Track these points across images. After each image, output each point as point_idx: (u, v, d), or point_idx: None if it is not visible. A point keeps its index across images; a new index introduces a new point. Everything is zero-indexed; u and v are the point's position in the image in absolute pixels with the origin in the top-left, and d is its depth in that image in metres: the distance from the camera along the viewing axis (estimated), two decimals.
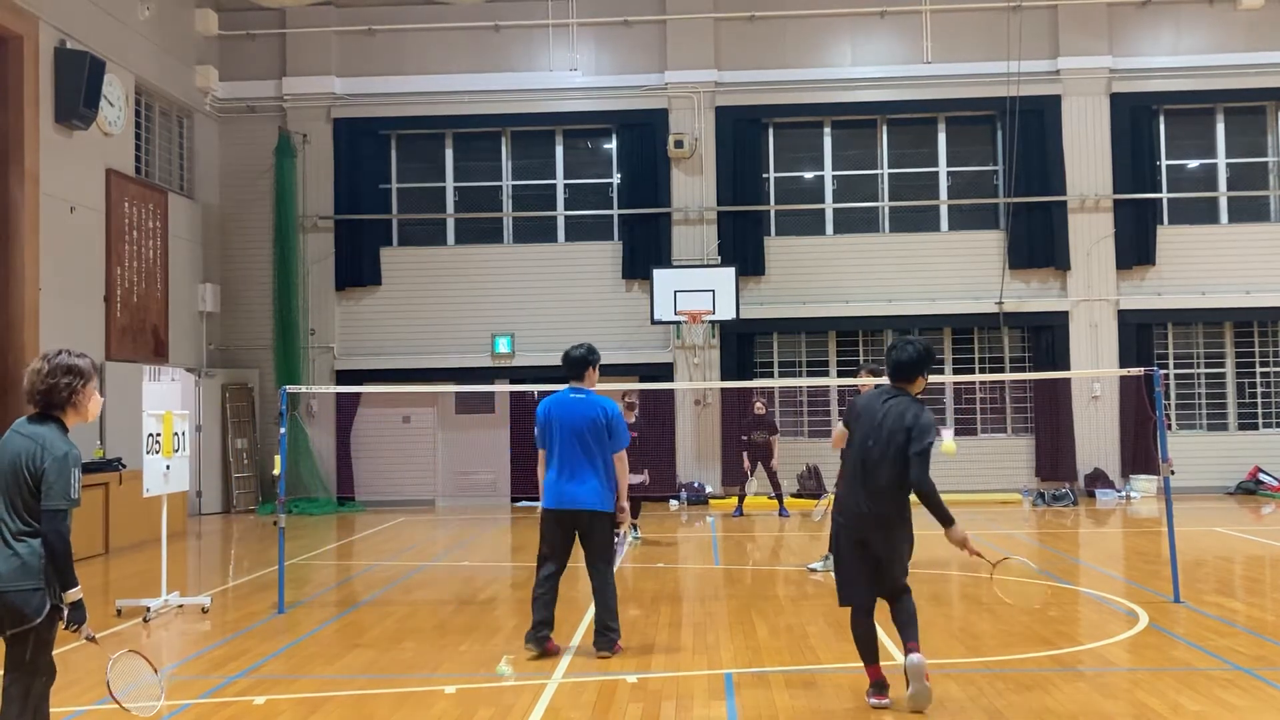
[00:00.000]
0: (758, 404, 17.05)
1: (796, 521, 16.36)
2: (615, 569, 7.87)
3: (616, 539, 13.29)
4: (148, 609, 9.36)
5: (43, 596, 4.50)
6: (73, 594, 4.55)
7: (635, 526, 13.92)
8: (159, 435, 9.62)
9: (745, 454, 16.79)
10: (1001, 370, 19.19)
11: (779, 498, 16.86)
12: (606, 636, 7.59)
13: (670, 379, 18.91)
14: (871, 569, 6.15)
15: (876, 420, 6.09)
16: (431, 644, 8.16)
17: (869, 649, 6.22)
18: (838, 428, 6.43)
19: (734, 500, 17.55)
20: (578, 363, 7.79)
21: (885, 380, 6.44)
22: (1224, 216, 19.85)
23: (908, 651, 6.02)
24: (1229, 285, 19.16)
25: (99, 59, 15.72)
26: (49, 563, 4.50)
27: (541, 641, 7.56)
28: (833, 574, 6.39)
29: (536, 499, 7.91)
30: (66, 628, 4.59)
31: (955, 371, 19.55)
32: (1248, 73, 19.24)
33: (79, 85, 15.21)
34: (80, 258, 15.75)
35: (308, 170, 19.82)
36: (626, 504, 7.92)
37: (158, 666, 5.23)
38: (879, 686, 6.20)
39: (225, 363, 19.56)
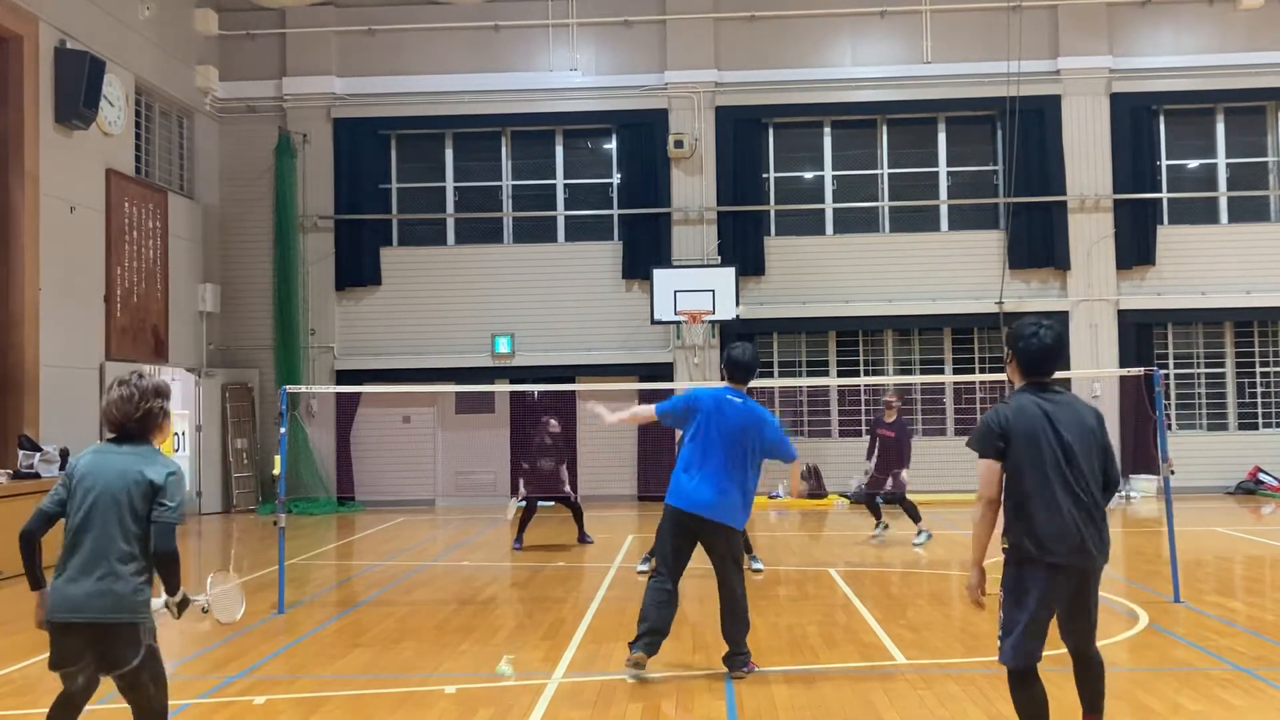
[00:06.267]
0: (553, 423, 13.76)
1: (797, 520, 16.36)
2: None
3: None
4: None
5: (138, 634, 4.41)
6: (179, 595, 4.59)
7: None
8: None
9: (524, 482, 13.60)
10: (1001, 370, 19.12)
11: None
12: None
13: (670, 379, 18.88)
14: (1062, 615, 5.02)
15: (1053, 428, 4.83)
16: (431, 644, 8.16)
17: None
18: (986, 467, 4.88)
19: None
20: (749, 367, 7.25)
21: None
22: (1224, 216, 19.85)
23: None
24: (1229, 285, 19.16)
25: (99, 59, 15.72)
26: (162, 574, 4.49)
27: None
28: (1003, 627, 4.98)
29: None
30: (178, 617, 4.66)
31: (955, 371, 19.54)
32: (1248, 73, 19.24)
33: (79, 85, 15.21)
34: (80, 258, 15.75)
35: (308, 170, 19.81)
36: None
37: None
38: None
39: (225, 363, 19.55)
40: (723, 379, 7.42)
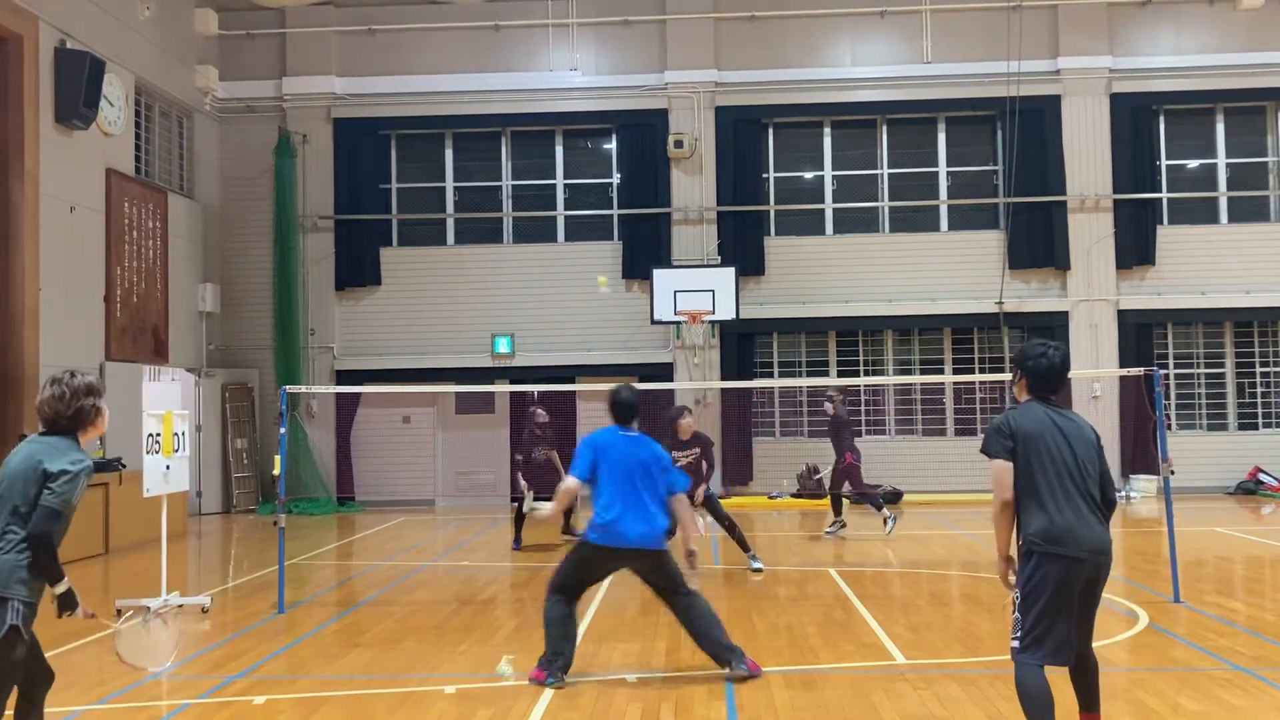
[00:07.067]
0: (539, 412, 13.78)
1: (797, 520, 16.37)
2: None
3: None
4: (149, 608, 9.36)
5: (4, 610, 4.49)
6: (61, 586, 4.63)
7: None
8: (159, 435, 9.61)
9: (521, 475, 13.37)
10: (1001, 370, 19.16)
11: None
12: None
13: (670, 379, 18.89)
14: (1079, 616, 5.08)
15: (1061, 437, 5.06)
16: (431, 644, 8.16)
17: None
18: (998, 468, 5.09)
19: (747, 499, 17.44)
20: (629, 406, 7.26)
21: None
22: (1224, 216, 19.84)
23: None
24: (1229, 285, 19.15)
25: (99, 59, 15.72)
26: (35, 560, 4.54)
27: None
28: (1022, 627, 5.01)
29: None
30: (59, 615, 4.69)
31: (955, 371, 19.54)
32: (1248, 73, 19.23)
33: (79, 85, 15.21)
34: (80, 258, 15.75)
35: (308, 170, 19.81)
36: None
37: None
38: None
39: (225, 363, 19.56)
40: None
